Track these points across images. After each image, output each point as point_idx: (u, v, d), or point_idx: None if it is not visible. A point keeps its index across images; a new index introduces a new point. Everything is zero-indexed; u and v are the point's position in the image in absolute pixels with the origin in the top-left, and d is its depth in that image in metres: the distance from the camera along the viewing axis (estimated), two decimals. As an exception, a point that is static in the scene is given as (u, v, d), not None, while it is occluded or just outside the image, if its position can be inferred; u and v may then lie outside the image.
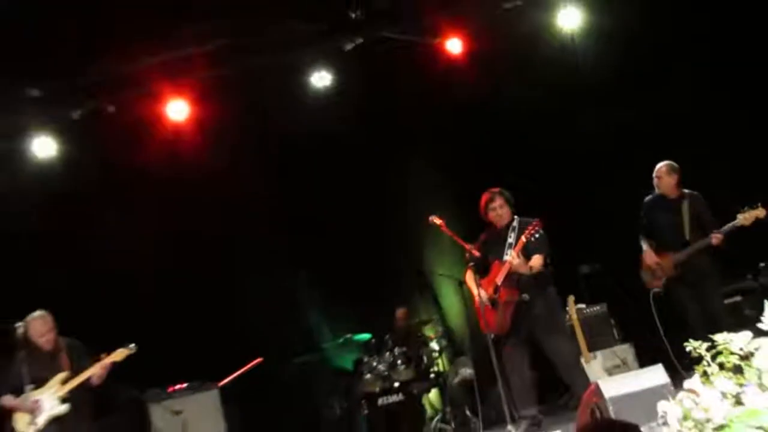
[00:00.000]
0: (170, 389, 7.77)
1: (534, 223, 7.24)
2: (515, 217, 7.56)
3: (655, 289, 7.93)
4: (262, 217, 10.13)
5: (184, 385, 7.82)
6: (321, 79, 9.32)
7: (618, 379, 5.87)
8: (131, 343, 7.06)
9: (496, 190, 7.59)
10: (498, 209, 7.55)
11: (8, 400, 7.02)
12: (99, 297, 9.08)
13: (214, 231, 9.70)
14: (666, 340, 7.54)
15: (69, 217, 9.14)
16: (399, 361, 9.34)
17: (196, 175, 9.40)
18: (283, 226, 10.33)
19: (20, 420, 7.01)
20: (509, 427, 6.91)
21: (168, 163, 9.14)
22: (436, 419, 9.21)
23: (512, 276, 7.38)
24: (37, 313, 7.19)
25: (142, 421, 7.74)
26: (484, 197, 7.57)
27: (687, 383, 4.03)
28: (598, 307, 8.79)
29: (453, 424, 9.04)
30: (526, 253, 7.35)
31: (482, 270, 7.54)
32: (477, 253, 7.41)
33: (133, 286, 9.21)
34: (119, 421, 8.41)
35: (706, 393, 3.94)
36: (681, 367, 6.55)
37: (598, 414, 5.47)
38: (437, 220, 7.37)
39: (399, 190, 10.27)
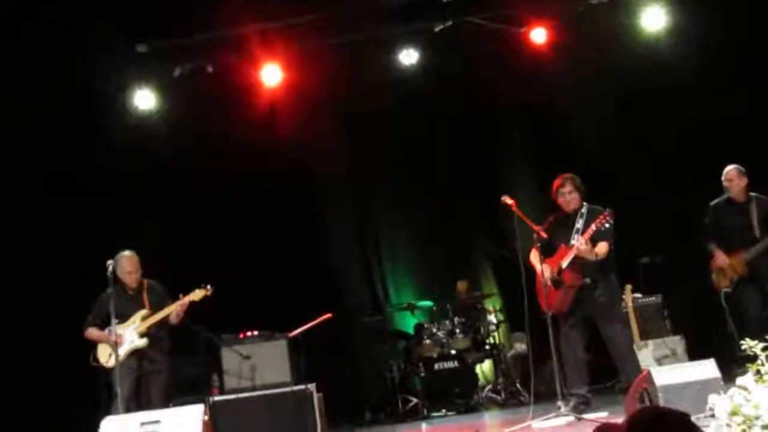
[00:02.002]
0: (242, 335, 7.63)
1: (606, 213, 6.95)
2: (584, 203, 7.30)
3: (725, 289, 7.75)
4: (344, 184, 10.34)
5: (256, 332, 7.68)
6: (408, 56, 9.29)
7: (670, 369, 5.73)
8: (208, 285, 6.91)
9: (568, 175, 7.32)
10: (567, 195, 7.29)
11: (94, 332, 7.07)
12: (188, 245, 9.18)
13: (302, 193, 9.95)
14: (728, 337, 7.43)
15: (166, 167, 9.28)
16: (457, 330, 9.28)
17: (283, 139, 9.47)
18: (361, 192, 10.58)
19: (103, 352, 7.03)
20: (559, 403, 6.76)
21: (257, 124, 9.26)
22: (487, 389, 9.12)
23: (577, 260, 7.10)
24: (126, 252, 7.14)
25: (213, 361, 7.61)
26: (556, 182, 7.33)
27: (739, 380, 3.92)
28: (653, 298, 8.51)
29: (503, 395, 8.95)
30: (593, 240, 7.08)
31: (547, 251, 7.31)
32: (544, 234, 7.15)
33: (221, 238, 9.33)
34: (193, 359, 8.44)
35: (758, 391, 3.83)
36: (735, 365, 6.37)
37: (647, 400, 5.38)
38: (508, 200, 7.12)
39: (479, 171, 10.18)
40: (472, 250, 10.62)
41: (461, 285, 10.05)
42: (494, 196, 7.19)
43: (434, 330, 9.21)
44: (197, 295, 6.96)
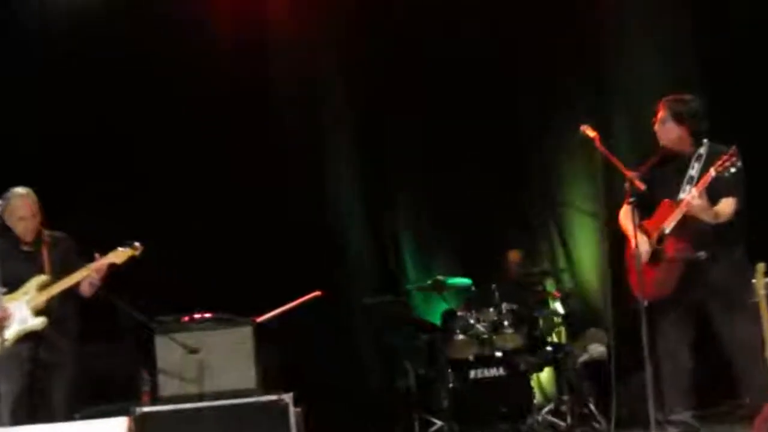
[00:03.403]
0: (188, 318, 6.79)
1: (729, 152, 6.08)
2: (704, 141, 6.42)
3: None
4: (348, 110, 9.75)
5: (208, 315, 6.81)
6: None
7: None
8: (136, 242, 6.36)
9: (670, 97, 6.58)
10: (662, 126, 6.54)
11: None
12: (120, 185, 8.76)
13: (292, 121, 9.55)
14: None
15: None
16: (506, 322, 8.27)
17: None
18: (371, 126, 9.79)
19: (-17, 331, 6.19)
20: (651, 434, 5.89)
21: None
22: (546, 409, 8.17)
23: (688, 223, 6.29)
24: (19, 189, 6.44)
25: (144, 355, 6.86)
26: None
27: None
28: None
29: (569, 419, 8.03)
30: (712, 194, 6.21)
31: (644, 210, 6.45)
32: (641, 185, 6.30)
33: (171, 175, 8.92)
34: (114, 349, 7.76)
35: None
36: None
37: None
38: (590, 132, 6.30)
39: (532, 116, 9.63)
40: (532, 207, 9.83)
41: (513, 256, 9.15)
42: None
43: (471, 321, 8.28)
44: (120, 255, 6.31)
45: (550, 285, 9.09)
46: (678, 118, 6.44)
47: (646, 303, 6.08)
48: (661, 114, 6.49)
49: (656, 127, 6.53)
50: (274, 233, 8.93)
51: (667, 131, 6.48)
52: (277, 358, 7.45)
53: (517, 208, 9.68)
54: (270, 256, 8.78)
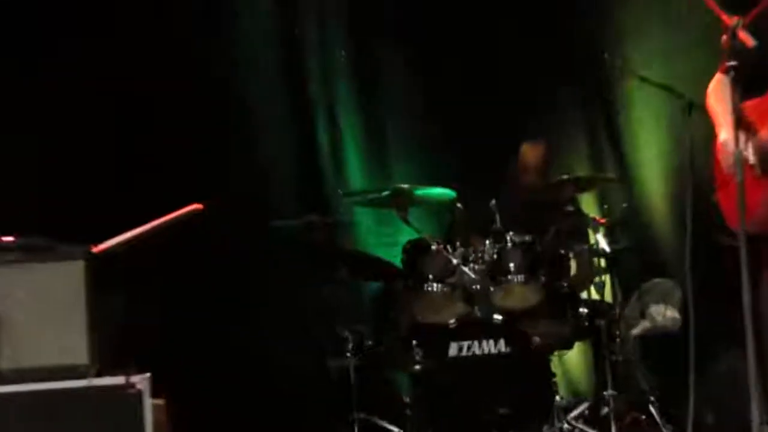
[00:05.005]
0: None
1: None
2: None
3: None
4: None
5: (12, 239, 4.69)
6: None
7: None
8: None
9: None
10: None
11: None
12: None
13: None
14: None
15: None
16: (512, 265, 5.98)
17: None
18: None
19: None
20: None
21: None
22: (575, 412, 6.10)
23: None
24: None
25: None
26: None
27: None
28: None
29: (615, 429, 5.99)
30: None
31: (749, 86, 4.81)
32: (748, 39, 4.71)
33: None
34: None
35: None
36: None
37: None
38: None
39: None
40: (565, 70, 7.47)
41: (530, 154, 6.86)
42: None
43: (454, 260, 6.15)
44: None
45: (588, 204, 7.20)
46: None
47: (744, 237, 4.43)
48: None
49: None
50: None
51: None
52: (130, 315, 5.63)
53: (539, 70, 7.66)
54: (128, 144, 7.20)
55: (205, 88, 7.59)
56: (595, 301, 6.64)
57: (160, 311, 6.47)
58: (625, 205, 7.02)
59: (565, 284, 6.33)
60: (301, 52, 8.25)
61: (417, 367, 6.04)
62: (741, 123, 5.32)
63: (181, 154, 7.35)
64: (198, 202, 4.99)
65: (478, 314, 6.14)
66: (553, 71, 7.68)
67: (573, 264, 6.43)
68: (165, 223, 5.12)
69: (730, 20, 4.82)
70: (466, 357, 5.99)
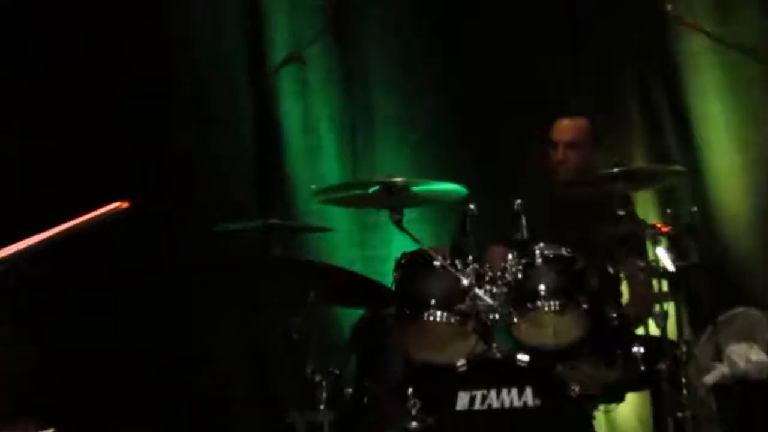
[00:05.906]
0: None
1: None
2: None
3: None
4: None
5: None
6: None
7: None
8: None
9: None
10: None
11: None
12: None
13: None
14: None
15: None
16: (542, 287, 4.91)
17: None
18: None
19: None
20: None
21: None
22: None
23: None
24: None
25: None
26: None
27: None
28: None
29: None
30: None
31: None
32: None
33: None
34: None
35: None
36: None
37: None
38: None
39: None
40: (615, 27, 6.58)
41: (569, 127, 5.66)
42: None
43: (464, 281, 5.04)
44: None
45: (646, 207, 6.39)
46: None
47: None
48: None
49: None
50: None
51: None
52: (37, 349, 5.31)
53: (574, 31, 6.70)
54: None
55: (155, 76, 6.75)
56: (654, 338, 5.52)
57: (68, 349, 5.60)
58: (695, 208, 5.94)
59: (615, 314, 5.32)
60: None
61: (413, 424, 4.96)
62: None
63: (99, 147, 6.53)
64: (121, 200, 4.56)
65: (497, 354, 5.13)
66: (599, 31, 6.61)
67: (625, 287, 5.63)
68: (80, 225, 4.57)
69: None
70: (480, 411, 5.00)
